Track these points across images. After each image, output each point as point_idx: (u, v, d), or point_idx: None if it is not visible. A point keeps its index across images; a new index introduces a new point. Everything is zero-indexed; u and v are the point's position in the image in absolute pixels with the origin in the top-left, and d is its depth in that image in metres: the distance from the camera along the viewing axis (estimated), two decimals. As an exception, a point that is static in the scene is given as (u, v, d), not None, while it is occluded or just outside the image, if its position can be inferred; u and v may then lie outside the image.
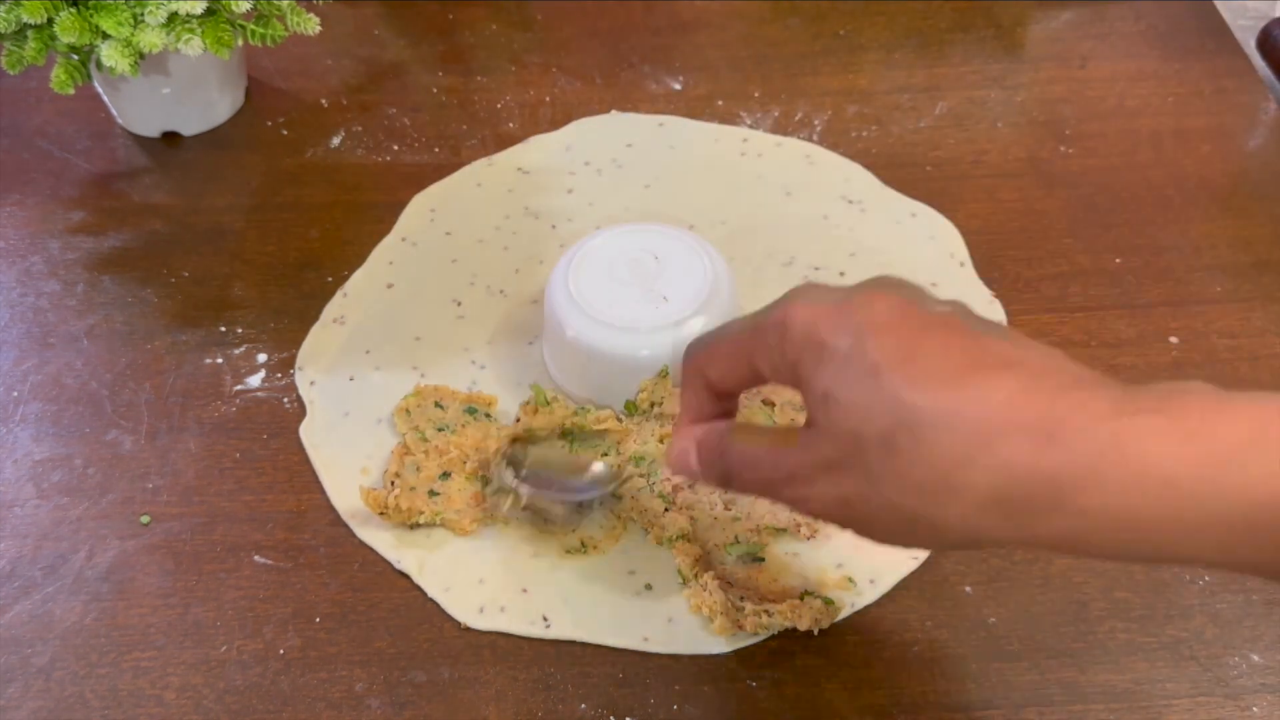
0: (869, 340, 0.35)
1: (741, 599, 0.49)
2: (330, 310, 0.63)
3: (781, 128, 0.72)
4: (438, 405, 0.57)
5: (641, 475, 0.54)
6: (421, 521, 0.52)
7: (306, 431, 0.57)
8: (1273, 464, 0.30)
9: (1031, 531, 0.33)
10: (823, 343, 0.36)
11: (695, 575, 0.50)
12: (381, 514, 0.52)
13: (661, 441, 0.54)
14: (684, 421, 0.43)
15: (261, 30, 0.67)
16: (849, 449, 0.35)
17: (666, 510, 0.53)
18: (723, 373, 0.41)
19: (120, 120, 0.73)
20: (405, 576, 0.52)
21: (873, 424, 0.34)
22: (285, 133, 0.73)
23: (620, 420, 0.55)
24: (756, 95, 0.74)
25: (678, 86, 0.75)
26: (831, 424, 0.36)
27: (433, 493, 0.53)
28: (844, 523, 0.38)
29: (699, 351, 0.42)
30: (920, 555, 0.52)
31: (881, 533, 0.38)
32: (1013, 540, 0.34)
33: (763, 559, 0.52)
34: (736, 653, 0.49)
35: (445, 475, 0.54)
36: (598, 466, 0.53)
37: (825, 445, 0.36)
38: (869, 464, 0.35)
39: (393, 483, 0.53)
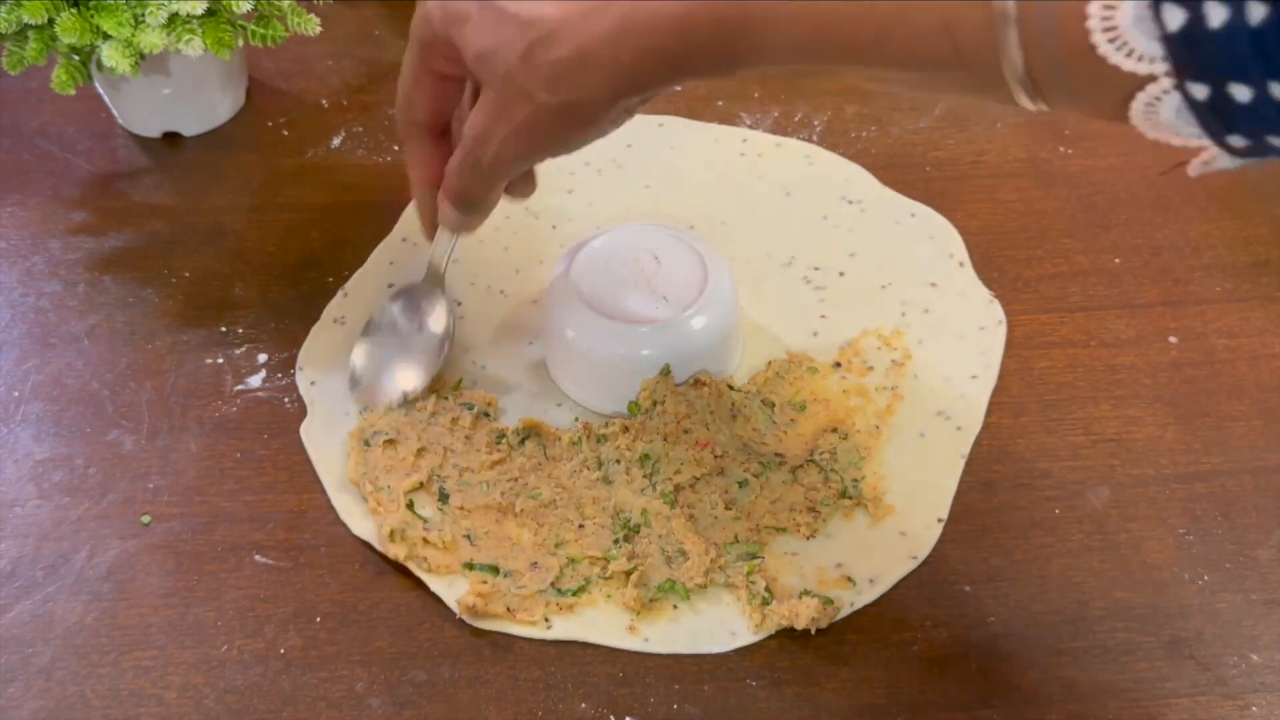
0: None
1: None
2: (331, 310, 0.63)
3: (781, 128, 0.72)
4: (438, 405, 0.57)
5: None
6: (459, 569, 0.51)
7: (307, 431, 0.57)
8: None
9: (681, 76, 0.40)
10: (457, 12, 0.42)
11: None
12: (407, 558, 0.52)
13: (666, 439, 0.54)
14: (419, 180, 0.51)
15: (262, 31, 0.67)
16: (507, 87, 0.41)
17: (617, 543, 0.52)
18: (424, 103, 0.47)
19: (121, 121, 0.73)
20: (406, 576, 0.52)
21: (514, 52, 0.40)
22: (286, 133, 0.73)
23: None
24: (756, 95, 0.74)
25: (677, 86, 0.75)
26: (490, 75, 0.42)
27: (469, 537, 0.52)
28: (532, 150, 0.45)
29: (398, 109, 0.49)
30: (920, 555, 0.52)
31: (559, 141, 0.44)
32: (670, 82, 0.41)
33: (762, 558, 0.52)
34: (736, 652, 0.49)
35: (443, 500, 0.54)
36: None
37: (491, 94, 0.43)
38: (523, 87, 0.41)
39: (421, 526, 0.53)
